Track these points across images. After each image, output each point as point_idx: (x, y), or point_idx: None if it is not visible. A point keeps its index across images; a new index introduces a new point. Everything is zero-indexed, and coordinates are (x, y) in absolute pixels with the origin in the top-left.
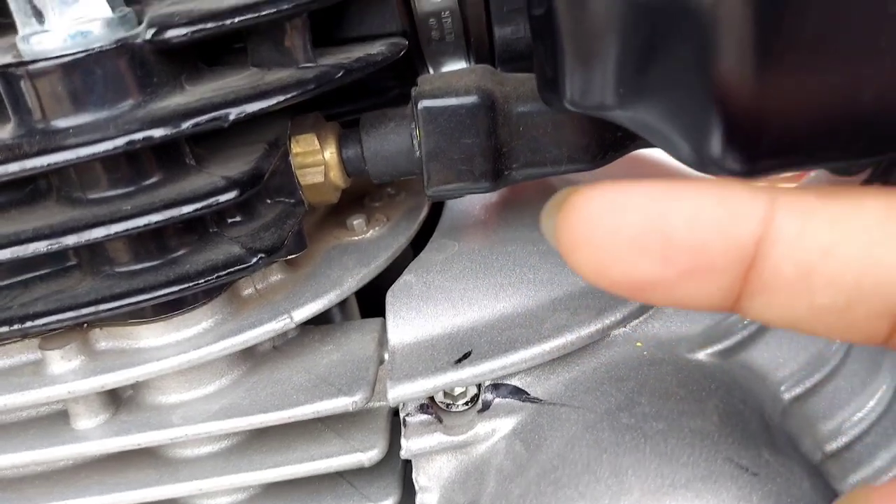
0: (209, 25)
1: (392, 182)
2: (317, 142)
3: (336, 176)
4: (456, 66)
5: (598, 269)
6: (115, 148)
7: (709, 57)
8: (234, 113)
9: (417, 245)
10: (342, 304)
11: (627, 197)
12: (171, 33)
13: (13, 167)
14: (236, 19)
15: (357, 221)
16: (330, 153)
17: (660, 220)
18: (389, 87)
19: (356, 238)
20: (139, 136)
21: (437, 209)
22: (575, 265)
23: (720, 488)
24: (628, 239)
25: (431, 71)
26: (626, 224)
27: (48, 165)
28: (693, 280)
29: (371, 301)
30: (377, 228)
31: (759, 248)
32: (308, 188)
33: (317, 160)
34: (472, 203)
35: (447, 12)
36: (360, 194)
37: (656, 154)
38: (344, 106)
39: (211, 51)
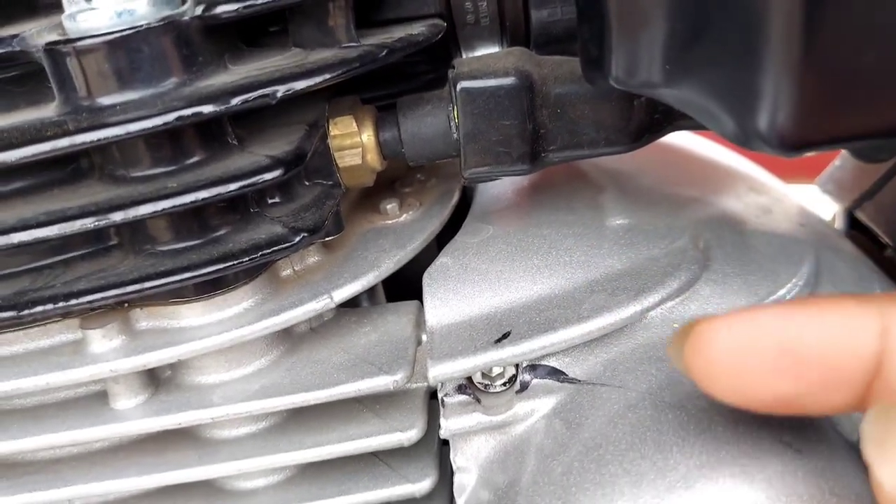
0: (259, 2)
1: (422, 167)
2: (355, 124)
3: (373, 158)
4: (490, 50)
5: (738, 392)
6: (164, 123)
7: (757, 33)
8: (281, 90)
9: (441, 235)
10: (370, 291)
11: (757, 324)
12: (222, 9)
13: (63, 142)
14: None
15: (391, 206)
16: (367, 136)
17: (791, 344)
18: (424, 71)
19: (390, 222)
20: (188, 111)
21: (465, 198)
22: (712, 390)
23: (765, 465)
24: (764, 363)
25: (465, 55)
26: (761, 349)
27: (97, 141)
28: (825, 392)
29: (396, 288)
30: (410, 213)
31: (882, 358)
32: (345, 170)
33: (354, 142)
34: (505, 187)
35: None
36: (391, 179)
37: (685, 141)
38: (379, 90)
39: (250, 34)
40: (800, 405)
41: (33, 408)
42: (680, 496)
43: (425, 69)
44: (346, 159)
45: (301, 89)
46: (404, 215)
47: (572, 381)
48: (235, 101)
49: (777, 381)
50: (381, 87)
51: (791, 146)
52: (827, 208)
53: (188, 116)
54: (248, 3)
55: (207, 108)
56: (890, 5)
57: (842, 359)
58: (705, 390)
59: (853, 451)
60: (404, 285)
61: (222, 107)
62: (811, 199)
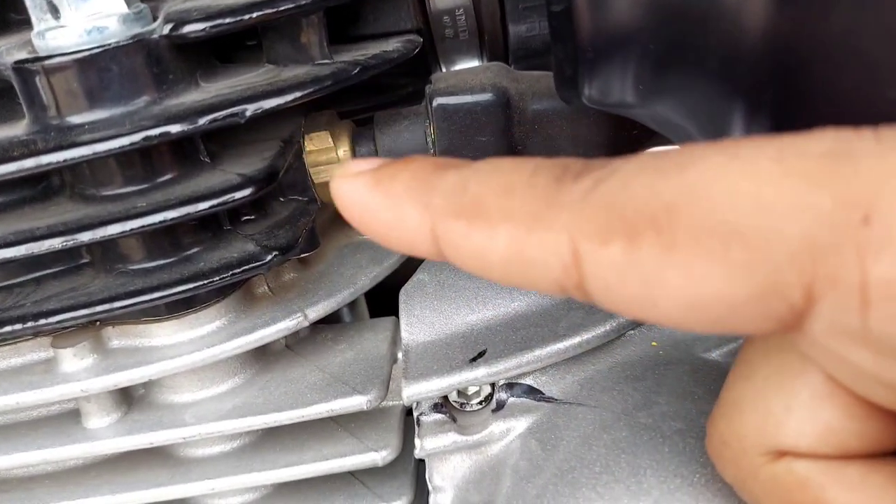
0: (227, 21)
1: None
2: (330, 139)
3: None
4: (469, 63)
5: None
6: (131, 144)
7: (730, 56)
8: (251, 109)
9: None
10: (352, 304)
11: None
12: (189, 28)
13: (28, 163)
14: (254, 14)
15: None
16: (343, 151)
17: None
18: (402, 84)
19: (367, 237)
20: (156, 132)
21: None
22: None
23: None
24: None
25: (444, 69)
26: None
27: (64, 161)
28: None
29: (379, 300)
30: None
31: None
32: (321, 186)
33: (330, 158)
34: None
35: (461, 10)
36: None
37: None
38: (357, 103)
39: (224, 49)
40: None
41: (5, 426)
42: None
43: (404, 83)
44: (322, 175)
45: (270, 108)
46: None
47: (549, 399)
48: (203, 120)
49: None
50: (359, 101)
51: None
52: None
53: (156, 136)
54: (216, 23)
55: (175, 128)
56: (862, 33)
57: None
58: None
59: None
60: (387, 292)
61: (190, 126)
62: None
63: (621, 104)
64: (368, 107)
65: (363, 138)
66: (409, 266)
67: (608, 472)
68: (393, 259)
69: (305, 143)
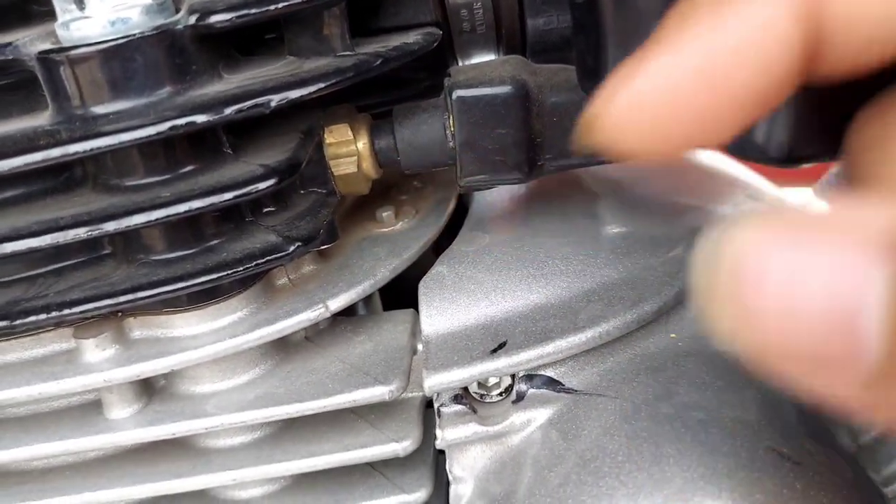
0: (252, 11)
1: (419, 174)
2: (350, 132)
3: (368, 166)
4: (486, 58)
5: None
6: (157, 133)
7: None
8: (275, 99)
9: (438, 242)
10: (366, 298)
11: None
12: (215, 18)
13: (55, 153)
14: (280, 5)
15: (386, 213)
16: (363, 143)
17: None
18: (419, 79)
19: (386, 230)
20: (182, 121)
21: (462, 205)
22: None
23: (763, 477)
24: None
25: (461, 63)
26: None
27: (90, 150)
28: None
29: (393, 296)
30: (406, 220)
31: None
32: (341, 178)
33: (350, 150)
34: (501, 195)
35: (479, 3)
36: (387, 186)
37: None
38: (375, 98)
39: (245, 42)
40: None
41: (26, 417)
42: None
43: (422, 77)
44: (342, 167)
45: (295, 98)
46: (400, 223)
47: (569, 391)
48: (229, 110)
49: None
50: (377, 95)
51: (787, 158)
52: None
53: (181, 126)
54: (241, 13)
55: (201, 118)
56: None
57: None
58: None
59: (853, 463)
60: (402, 292)
61: (216, 116)
62: (808, 203)
63: None
64: (386, 101)
65: (382, 131)
66: (419, 263)
67: (631, 461)
68: (412, 251)
69: (325, 136)
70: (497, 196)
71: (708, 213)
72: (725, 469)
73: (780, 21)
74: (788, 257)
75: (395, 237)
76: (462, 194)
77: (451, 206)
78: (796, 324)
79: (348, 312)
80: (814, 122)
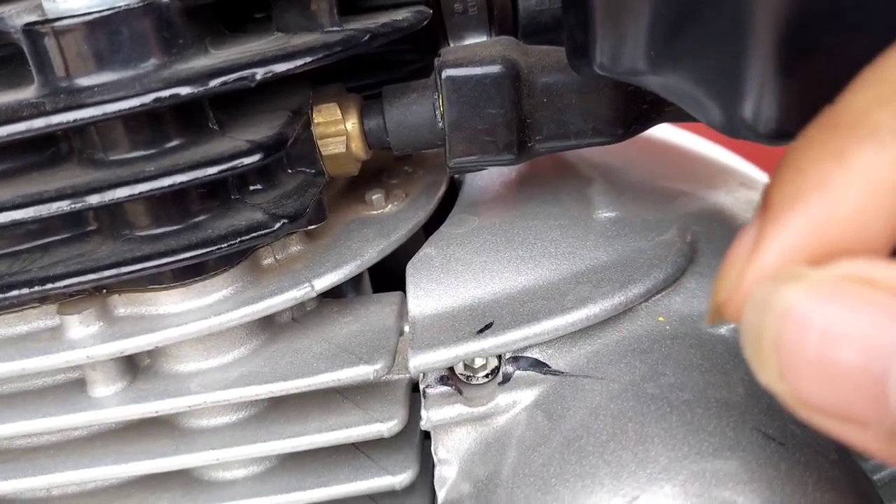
0: None
1: (410, 159)
2: (339, 112)
3: (357, 147)
4: (478, 39)
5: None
6: (141, 105)
7: (743, 22)
8: (260, 73)
9: (428, 226)
10: (355, 281)
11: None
12: None
13: (38, 123)
14: None
15: (376, 196)
16: (352, 124)
17: None
18: (410, 60)
19: (375, 212)
20: (166, 93)
21: (453, 188)
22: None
23: (748, 456)
24: None
25: (453, 44)
26: None
27: (73, 122)
28: None
29: (384, 279)
30: (396, 204)
31: None
32: (329, 158)
33: (339, 130)
34: (492, 178)
35: None
36: (378, 171)
37: (677, 136)
38: (365, 79)
39: (234, 18)
40: None
41: (10, 395)
42: (661, 487)
43: (412, 58)
44: (330, 147)
45: (281, 72)
46: (390, 206)
47: (555, 372)
48: (214, 83)
49: None
50: (367, 76)
51: (776, 135)
52: None
53: (165, 98)
54: None
55: (185, 90)
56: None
57: None
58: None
59: (840, 447)
60: (392, 276)
61: (200, 88)
62: None
63: (632, 71)
64: (376, 82)
65: (372, 111)
66: (408, 247)
67: (615, 441)
68: (401, 233)
69: (314, 115)
70: (488, 180)
71: (700, 199)
72: (710, 449)
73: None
74: (828, 318)
75: (385, 220)
76: (453, 179)
77: (442, 189)
78: (830, 381)
79: (336, 295)
80: (802, 97)
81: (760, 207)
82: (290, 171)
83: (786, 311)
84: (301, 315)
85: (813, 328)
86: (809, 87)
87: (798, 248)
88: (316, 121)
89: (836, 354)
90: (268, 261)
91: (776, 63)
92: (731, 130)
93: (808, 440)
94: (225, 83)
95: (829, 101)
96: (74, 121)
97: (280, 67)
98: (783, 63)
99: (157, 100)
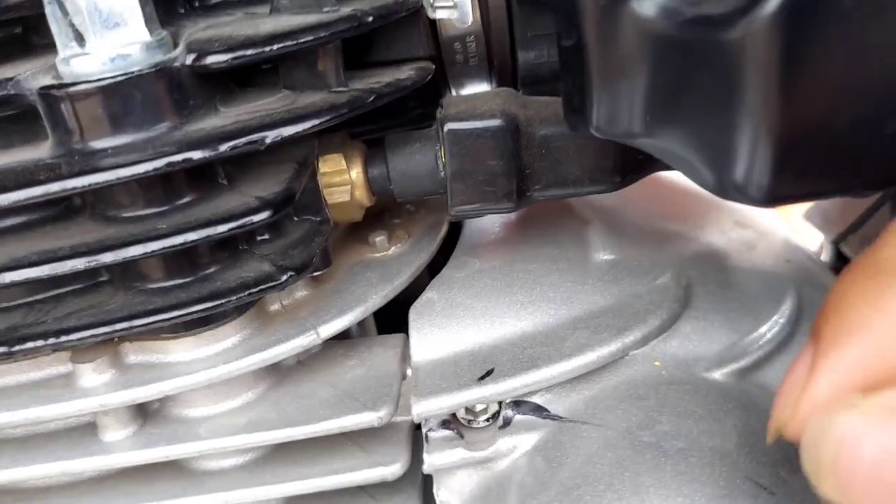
0: (248, 52)
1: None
2: (344, 161)
3: (362, 195)
4: (478, 87)
5: None
6: (154, 169)
7: (736, 92)
8: (270, 136)
9: (433, 262)
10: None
11: None
12: (212, 59)
13: (54, 187)
14: (275, 46)
15: (379, 238)
16: (356, 172)
17: None
18: (413, 107)
19: (378, 255)
20: (178, 157)
21: (455, 226)
22: None
23: None
24: None
25: (454, 92)
26: None
27: (88, 186)
28: None
29: (387, 316)
30: (399, 245)
31: None
32: (334, 206)
33: (343, 179)
34: (492, 221)
35: (472, 37)
36: (380, 210)
37: (675, 178)
38: (368, 125)
39: (242, 72)
40: None
41: (23, 438)
42: None
43: (415, 105)
44: (336, 196)
45: (289, 135)
46: (393, 248)
47: (554, 417)
48: (224, 147)
49: None
50: (371, 123)
51: (766, 199)
52: (814, 237)
53: (178, 162)
54: (238, 54)
55: (197, 155)
56: (862, 70)
57: None
58: None
59: None
60: (395, 311)
61: (211, 153)
62: (798, 228)
63: (628, 134)
64: (379, 128)
65: (375, 160)
66: (413, 285)
67: (612, 490)
68: (404, 277)
69: (319, 165)
70: (489, 222)
71: (695, 240)
72: (703, 499)
73: None
74: (878, 441)
75: (388, 262)
76: None
77: (443, 230)
78: (883, 495)
79: (343, 334)
80: (792, 164)
81: (811, 338)
82: (296, 219)
83: (841, 436)
84: (306, 356)
85: (865, 451)
86: (799, 156)
87: (847, 380)
88: (322, 170)
89: (886, 472)
90: (275, 307)
91: (767, 131)
92: (723, 193)
93: (798, 488)
94: (235, 147)
95: (815, 172)
96: (89, 185)
97: (288, 130)
98: (774, 131)
99: (169, 164)
